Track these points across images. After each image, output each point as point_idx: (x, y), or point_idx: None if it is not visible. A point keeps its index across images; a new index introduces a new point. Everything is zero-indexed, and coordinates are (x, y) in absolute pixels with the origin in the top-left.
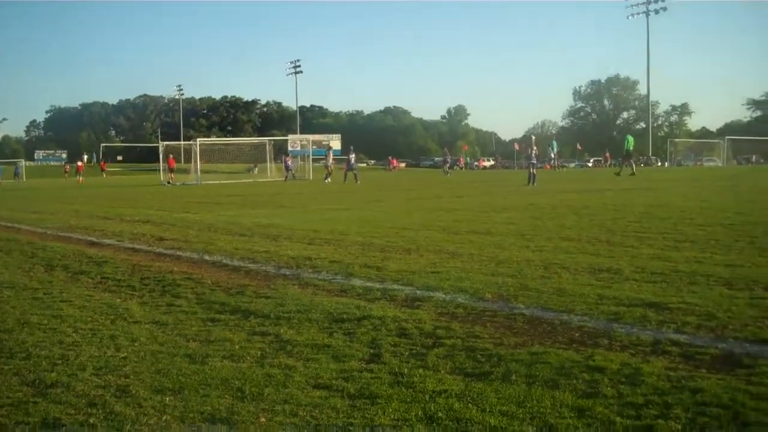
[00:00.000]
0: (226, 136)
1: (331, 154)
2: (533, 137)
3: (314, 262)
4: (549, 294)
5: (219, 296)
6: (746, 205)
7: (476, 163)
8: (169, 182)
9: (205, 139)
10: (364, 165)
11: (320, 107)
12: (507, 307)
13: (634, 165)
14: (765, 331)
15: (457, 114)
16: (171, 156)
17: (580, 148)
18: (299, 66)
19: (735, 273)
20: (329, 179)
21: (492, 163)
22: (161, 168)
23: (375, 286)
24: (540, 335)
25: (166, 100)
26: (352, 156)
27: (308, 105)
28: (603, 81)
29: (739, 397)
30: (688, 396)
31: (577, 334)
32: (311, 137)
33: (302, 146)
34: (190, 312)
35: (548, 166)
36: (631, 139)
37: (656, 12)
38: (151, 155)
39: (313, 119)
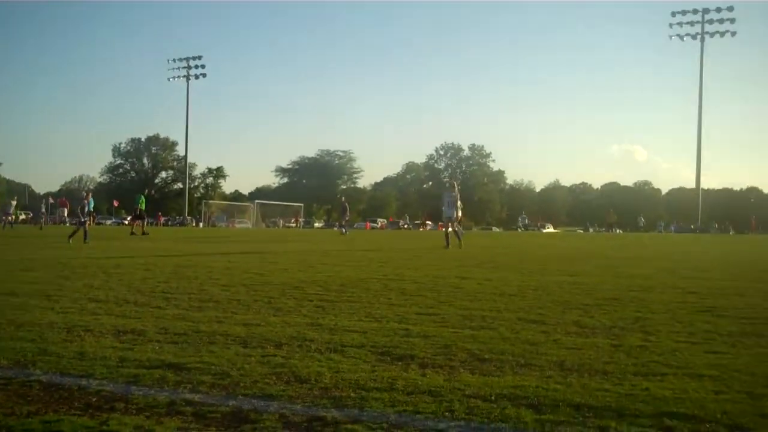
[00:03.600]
0: None
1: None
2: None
3: None
4: (69, 358)
5: None
6: (268, 266)
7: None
8: None
9: None
10: None
11: None
12: (23, 373)
13: (144, 225)
14: (271, 387)
15: None
16: None
17: (116, 205)
18: None
19: (250, 332)
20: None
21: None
22: None
23: None
24: (55, 402)
25: None
26: None
27: None
28: (143, 139)
29: None
30: None
31: (94, 399)
32: None
33: None
34: None
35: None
36: (142, 198)
37: (196, 77)
38: None
39: None
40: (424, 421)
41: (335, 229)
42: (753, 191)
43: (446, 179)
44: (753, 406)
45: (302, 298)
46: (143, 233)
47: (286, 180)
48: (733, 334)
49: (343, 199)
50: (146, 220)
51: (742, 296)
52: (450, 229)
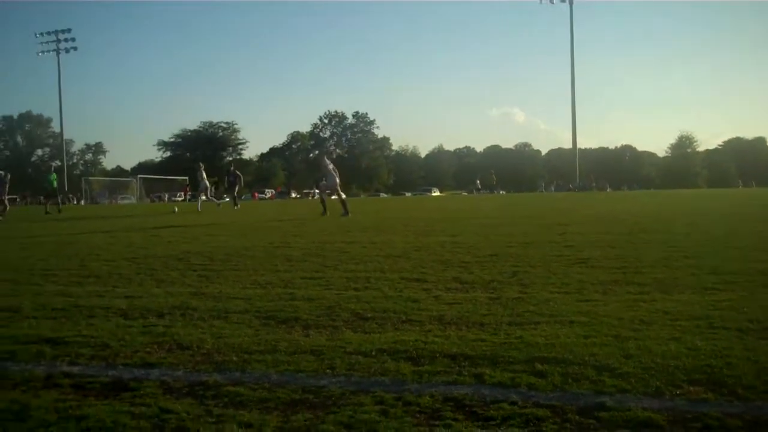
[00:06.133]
0: None
1: None
2: None
3: None
4: None
5: None
6: (151, 240)
7: None
8: None
9: None
10: None
11: None
12: None
13: (59, 203)
14: (152, 355)
15: None
16: None
17: None
18: None
19: (132, 304)
20: None
21: None
22: None
23: None
24: None
25: None
26: None
27: None
28: (15, 117)
29: (120, 418)
30: (73, 424)
31: None
32: None
33: None
34: None
35: None
36: (53, 176)
37: (67, 51)
38: None
39: None
40: (305, 379)
41: (205, 200)
42: (627, 149)
43: (332, 147)
44: (618, 347)
45: (186, 269)
46: (59, 211)
47: (169, 154)
48: (604, 282)
49: (232, 168)
50: (60, 197)
51: (614, 248)
52: (335, 197)
